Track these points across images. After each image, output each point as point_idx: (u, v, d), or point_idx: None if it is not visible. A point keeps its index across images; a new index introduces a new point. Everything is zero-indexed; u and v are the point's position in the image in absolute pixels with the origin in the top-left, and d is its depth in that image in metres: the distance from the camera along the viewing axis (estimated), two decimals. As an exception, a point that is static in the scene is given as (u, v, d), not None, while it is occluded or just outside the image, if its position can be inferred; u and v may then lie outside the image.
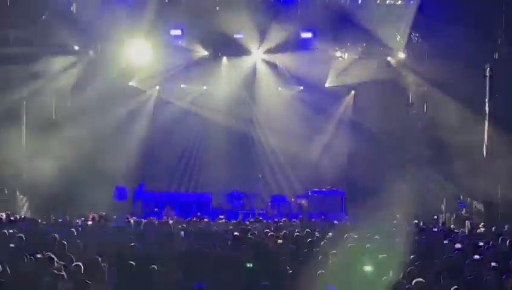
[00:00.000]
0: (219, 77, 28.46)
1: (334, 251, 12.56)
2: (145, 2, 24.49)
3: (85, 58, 27.03)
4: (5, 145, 23.53)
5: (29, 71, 25.02)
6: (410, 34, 25.81)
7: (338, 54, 27.52)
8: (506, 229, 17.70)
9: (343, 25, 25.37)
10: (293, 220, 21.32)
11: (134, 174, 27.21)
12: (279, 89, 28.89)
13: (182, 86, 28.92)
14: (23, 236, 14.05)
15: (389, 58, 28.06)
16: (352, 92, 29.01)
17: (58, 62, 26.07)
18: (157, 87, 29.03)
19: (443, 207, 20.37)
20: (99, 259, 11.38)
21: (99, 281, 10.06)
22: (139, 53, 27.02)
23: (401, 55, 27.58)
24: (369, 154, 27.88)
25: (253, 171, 27.95)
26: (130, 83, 28.50)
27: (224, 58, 28.10)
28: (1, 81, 24.29)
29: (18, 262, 10.65)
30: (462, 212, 24.14)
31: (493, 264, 11.56)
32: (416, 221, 19.70)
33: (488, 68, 25.06)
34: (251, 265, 10.87)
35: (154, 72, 27.95)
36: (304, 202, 26.01)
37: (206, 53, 27.64)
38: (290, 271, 11.25)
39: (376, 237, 14.70)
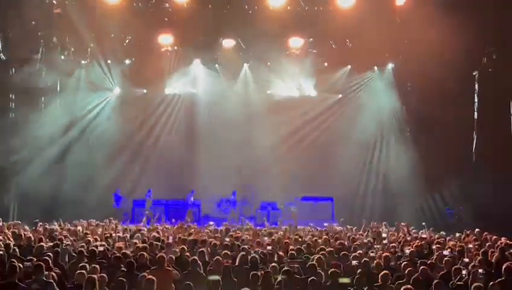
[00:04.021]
0: (208, 82, 28.51)
1: None
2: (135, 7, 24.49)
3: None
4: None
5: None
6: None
7: (326, 60, 27.70)
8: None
9: (331, 32, 25.47)
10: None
11: (125, 181, 27.19)
12: (268, 92, 28.88)
13: (169, 91, 28.82)
14: (11, 243, 13.99)
15: (375, 68, 28.30)
16: (340, 95, 29.07)
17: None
18: (145, 91, 28.95)
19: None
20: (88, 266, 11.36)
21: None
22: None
23: (389, 65, 27.87)
24: (357, 161, 28.03)
25: (243, 178, 27.87)
26: (118, 88, 28.54)
27: (215, 64, 28.18)
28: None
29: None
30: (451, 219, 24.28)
31: (481, 271, 11.59)
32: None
33: (477, 74, 25.34)
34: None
35: (143, 77, 27.96)
36: (293, 208, 25.99)
37: (195, 59, 27.76)
38: None
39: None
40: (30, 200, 24.90)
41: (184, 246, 14.14)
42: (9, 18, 23.87)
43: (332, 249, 14.40)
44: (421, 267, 11.81)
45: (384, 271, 11.14)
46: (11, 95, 25.95)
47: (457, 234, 19.38)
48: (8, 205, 24.57)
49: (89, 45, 26.31)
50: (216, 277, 10.75)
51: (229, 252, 13.58)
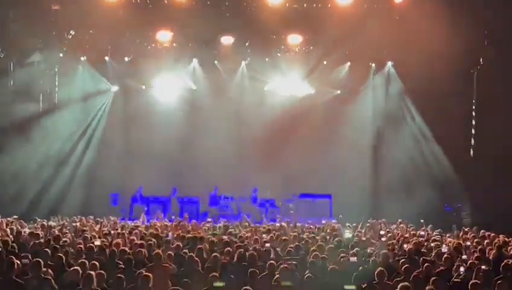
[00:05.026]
0: (207, 79, 28.50)
1: None
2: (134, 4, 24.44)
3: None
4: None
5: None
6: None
7: (324, 58, 27.67)
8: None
9: (330, 29, 25.41)
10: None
11: (124, 178, 27.18)
12: (266, 89, 28.82)
13: (168, 87, 28.76)
14: (9, 240, 13.97)
15: (374, 65, 28.29)
16: (338, 92, 28.99)
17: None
18: (143, 87, 28.88)
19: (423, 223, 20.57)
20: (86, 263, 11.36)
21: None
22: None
23: (388, 62, 27.88)
24: (355, 158, 28.01)
25: (241, 175, 27.83)
26: (116, 85, 28.55)
27: (214, 61, 28.16)
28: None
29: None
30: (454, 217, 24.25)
31: (484, 267, 11.61)
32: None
33: (476, 73, 25.37)
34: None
35: (141, 73, 27.92)
36: (291, 206, 26.00)
37: (194, 55, 27.76)
38: None
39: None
40: (34, 199, 25.15)
41: (180, 243, 14.14)
42: (8, 15, 23.83)
43: (332, 245, 14.41)
44: (425, 265, 11.84)
45: (380, 269, 11.14)
46: (9, 93, 25.96)
47: (456, 231, 19.44)
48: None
49: (88, 42, 26.27)
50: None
51: (230, 249, 13.58)
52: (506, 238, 16.34)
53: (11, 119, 25.74)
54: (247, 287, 9.75)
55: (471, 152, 25.93)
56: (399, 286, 9.78)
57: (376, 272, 10.98)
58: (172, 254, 12.84)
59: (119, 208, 26.07)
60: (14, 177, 25.42)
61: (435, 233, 18.70)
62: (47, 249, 12.54)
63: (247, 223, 20.63)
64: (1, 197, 24.59)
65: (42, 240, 14.23)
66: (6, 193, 24.91)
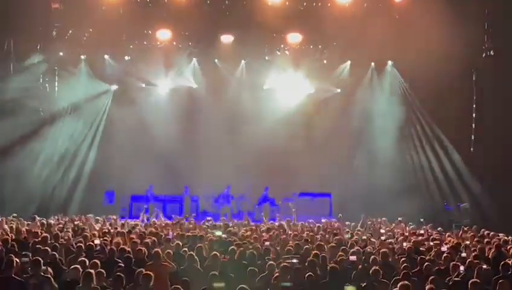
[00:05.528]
0: (206, 77, 28.49)
1: None
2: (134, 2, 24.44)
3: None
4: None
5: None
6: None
7: (324, 57, 27.66)
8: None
9: (330, 28, 25.41)
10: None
11: (125, 177, 27.19)
12: (265, 88, 28.78)
13: (168, 86, 28.74)
14: (8, 238, 13.97)
15: (374, 64, 28.28)
16: (338, 90, 28.96)
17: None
18: (143, 85, 28.86)
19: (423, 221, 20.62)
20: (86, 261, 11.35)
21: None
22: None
23: (388, 61, 27.87)
24: (355, 157, 28.03)
25: (240, 173, 27.83)
26: (116, 84, 28.54)
27: (214, 59, 28.15)
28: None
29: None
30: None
31: (485, 266, 11.61)
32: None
33: (475, 72, 25.38)
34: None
35: (141, 72, 27.90)
36: (291, 205, 26.01)
37: (193, 54, 27.74)
38: None
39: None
40: (35, 197, 25.17)
41: (179, 242, 14.13)
42: (8, 14, 23.81)
43: (334, 244, 14.40)
44: (425, 264, 11.83)
45: (375, 267, 11.14)
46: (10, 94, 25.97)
47: (455, 231, 19.43)
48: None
49: (87, 41, 26.26)
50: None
51: (235, 248, 13.55)
52: (505, 238, 16.34)
53: (13, 122, 25.67)
54: (246, 287, 9.73)
55: (471, 151, 25.91)
56: (398, 285, 9.77)
57: (371, 271, 10.98)
58: (172, 253, 12.82)
59: (116, 207, 26.05)
60: (19, 179, 25.39)
61: (434, 232, 18.70)
62: (46, 248, 12.52)
63: (246, 222, 20.62)
64: (6, 199, 24.60)
65: (41, 239, 14.21)
66: (12, 195, 24.89)
